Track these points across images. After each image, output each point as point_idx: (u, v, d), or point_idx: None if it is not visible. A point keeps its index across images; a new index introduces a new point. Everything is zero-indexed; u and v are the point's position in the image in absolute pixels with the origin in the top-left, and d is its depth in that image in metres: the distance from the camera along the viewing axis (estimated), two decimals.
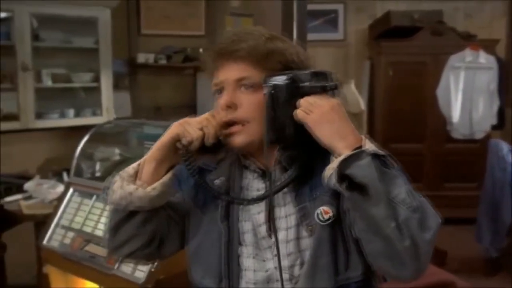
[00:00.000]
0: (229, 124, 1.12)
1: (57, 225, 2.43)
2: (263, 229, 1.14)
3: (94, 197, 2.39)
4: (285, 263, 1.11)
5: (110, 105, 4.43)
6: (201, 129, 1.10)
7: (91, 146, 2.73)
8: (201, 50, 5.30)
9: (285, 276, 1.11)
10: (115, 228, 1.17)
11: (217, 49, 1.13)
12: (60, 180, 3.53)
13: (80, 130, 3.01)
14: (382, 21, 5.52)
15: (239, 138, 1.12)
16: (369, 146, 1.02)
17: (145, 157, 1.14)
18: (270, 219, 1.12)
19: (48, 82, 4.23)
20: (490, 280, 3.95)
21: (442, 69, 5.27)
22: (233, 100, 1.11)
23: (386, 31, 5.39)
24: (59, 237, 2.39)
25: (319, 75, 1.09)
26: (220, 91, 1.15)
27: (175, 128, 1.11)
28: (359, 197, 0.98)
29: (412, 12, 5.38)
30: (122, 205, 1.13)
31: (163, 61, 5.00)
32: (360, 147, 1.02)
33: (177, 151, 1.11)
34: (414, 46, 5.36)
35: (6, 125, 4.00)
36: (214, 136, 1.11)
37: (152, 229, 1.17)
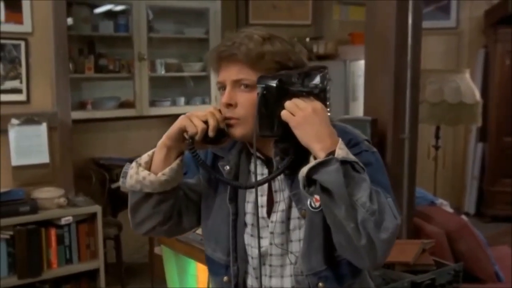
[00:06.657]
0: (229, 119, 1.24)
1: None
2: (263, 210, 1.28)
3: None
4: (278, 240, 1.26)
5: (219, 94, 4.54)
6: (205, 122, 1.20)
7: None
8: (307, 39, 5.29)
9: (278, 251, 1.26)
10: (133, 208, 1.30)
11: (218, 52, 1.23)
12: None
13: None
14: (500, 7, 5.21)
15: (237, 131, 1.22)
16: (341, 151, 1.11)
17: (158, 144, 1.26)
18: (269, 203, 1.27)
19: (161, 71, 4.43)
20: None
21: None
22: (231, 99, 1.22)
23: (504, 17, 5.10)
24: None
25: (308, 75, 1.17)
26: (222, 88, 1.26)
27: (182, 120, 1.21)
28: (326, 198, 1.10)
29: None
30: (137, 188, 1.25)
31: None
32: (334, 151, 1.10)
33: (184, 141, 1.22)
34: None
35: (124, 112, 4.26)
36: (216, 129, 1.20)
37: (167, 208, 1.29)
